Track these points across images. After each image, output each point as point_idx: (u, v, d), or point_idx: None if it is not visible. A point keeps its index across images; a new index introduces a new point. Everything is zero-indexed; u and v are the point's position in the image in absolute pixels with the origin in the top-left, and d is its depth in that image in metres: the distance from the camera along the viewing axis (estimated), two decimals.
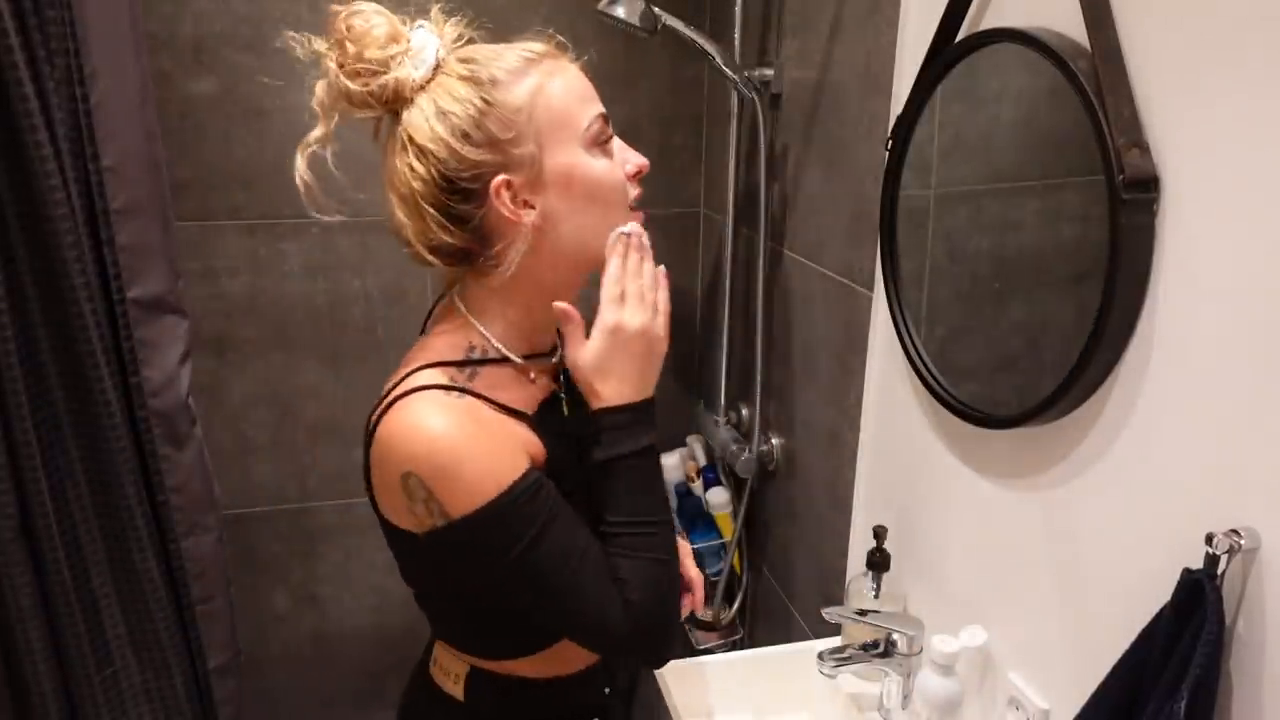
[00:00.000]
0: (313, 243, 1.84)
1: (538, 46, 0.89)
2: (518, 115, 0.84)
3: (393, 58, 0.85)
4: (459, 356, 0.89)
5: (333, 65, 0.86)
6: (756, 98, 1.59)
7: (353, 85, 0.85)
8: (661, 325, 0.90)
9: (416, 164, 0.84)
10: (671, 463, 2.01)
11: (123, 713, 1.54)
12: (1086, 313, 0.87)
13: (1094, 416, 0.92)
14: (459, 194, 0.85)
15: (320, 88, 0.88)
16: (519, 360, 0.92)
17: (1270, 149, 0.72)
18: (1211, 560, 0.75)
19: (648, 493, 0.89)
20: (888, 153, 1.17)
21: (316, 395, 1.94)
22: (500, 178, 0.85)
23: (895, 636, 1.14)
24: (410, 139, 0.85)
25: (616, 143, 0.92)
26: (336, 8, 0.87)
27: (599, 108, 0.90)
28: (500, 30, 0.91)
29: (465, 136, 0.83)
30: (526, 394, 0.92)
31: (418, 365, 0.88)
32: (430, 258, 0.88)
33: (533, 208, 0.86)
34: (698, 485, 1.95)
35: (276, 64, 1.72)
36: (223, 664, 1.63)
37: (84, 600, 1.47)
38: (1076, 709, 0.86)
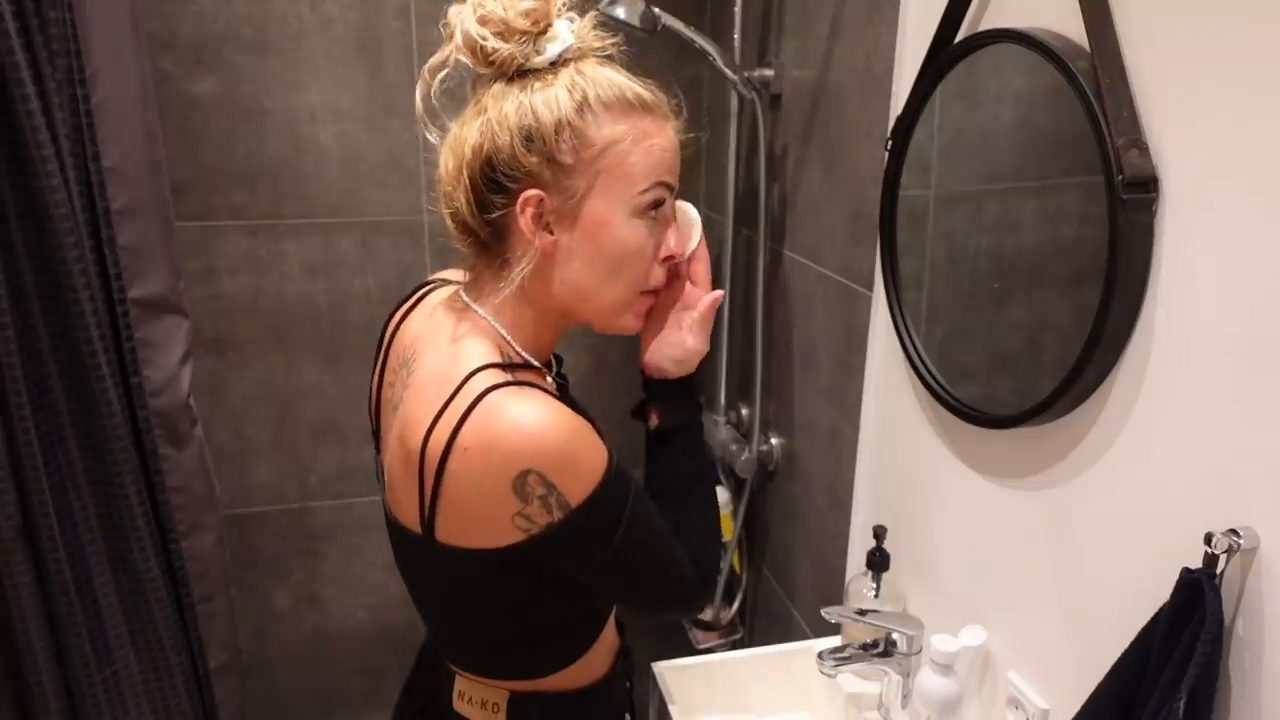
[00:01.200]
0: (313, 243, 1.84)
1: (649, 98, 0.88)
2: (588, 150, 0.84)
3: (525, 33, 0.84)
4: (498, 360, 0.86)
5: (494, 6, 0.84)
6: (756, 98, 1.59)
7: (477, 30, 0.84)
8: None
9: (477, 134, 0.84)
10: None
11: (123, 712, 1.55)
12: (1086, 313, 0.87)
13: (1093, 416, 0.92)
14: (493, 183, 0.85)
15: (453, 12, 0.86)
16: (539, 365, 0.92)
17: (1270, 149, 0.72)
18: (1210, 560, 0.75)
19: (700, 458, 1.00)
20: (887, 153, 1.17)
21: (316, 395, 1.95)
22: (533, 192, 0.83)
23: (895, 636, 1.14)
24: (486, 108, 0.85)
25: (666, 223, 0.92)
26: None
27: (669, 180, 0.88)
28: None
29: (528, 139, 0.83)
30: (553, 391, 0.92)
31: (470, 370, 0.83)
32: (449, 223, 0.89)
33: (551, 234, 0.85)
34: None
35: (277, 64, 1.73)
36: (223, 664, 1.64)
37: (84, 600, 1.47)
38: (1076, 709, 0.86)
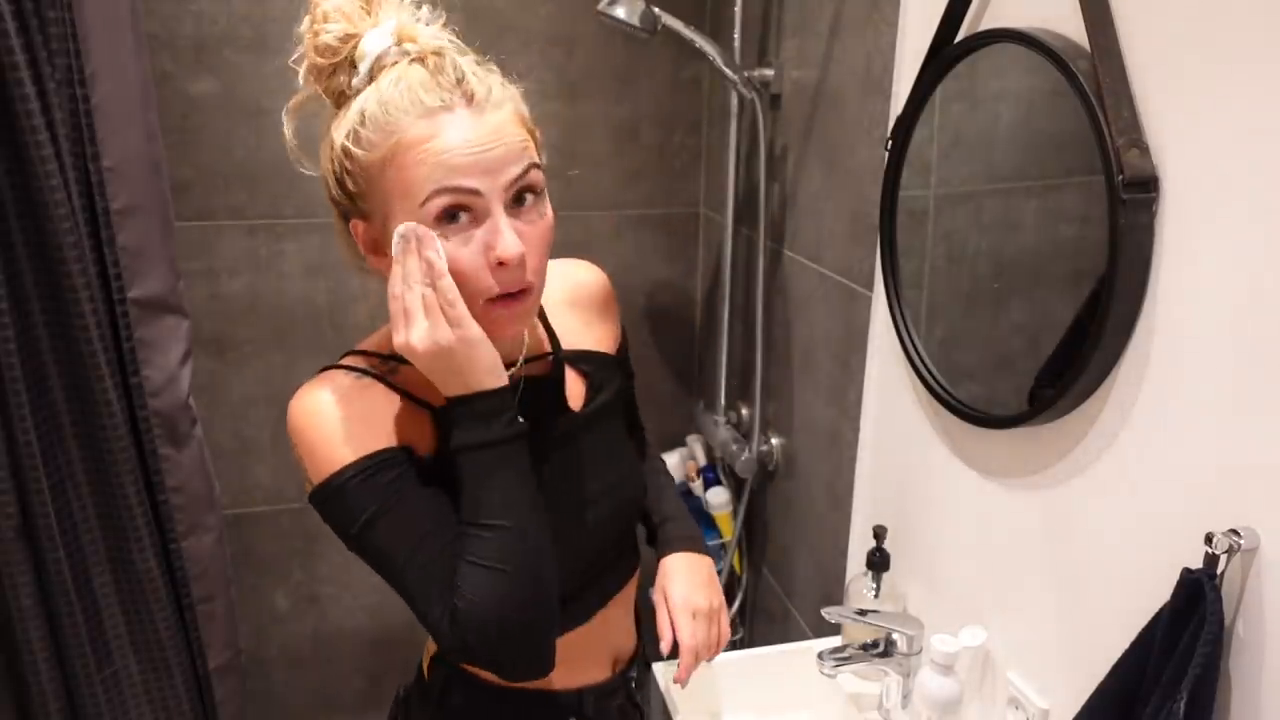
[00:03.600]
0: (313, 243, 1.84)
1: (433, 100, 0.79)
2: (366, 174, 0.81)
3: (341, 58, 0.83)
4: (387, 351, 0.89)
5: (308, 36, 0.85)
6: (756, 98, 1.59)
7: (312, 59, 0.84)
8: (447, 321, 0.79)
9: (323, 157, 0.86)
10: (672, 462, 2.01)
11: (123, 712, 1.55)
12: (1086, 313, 0.87)
13: (1093, 416, 0.92)
14: (340, 213, 0.87)
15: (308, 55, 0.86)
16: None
17: (1269, 149, 0.72)
18: (1211, 560, 0.75)
19: (496, 489, 0.82)
20: (887, 153, 1.17)
21: None
22: (354, 220, 0.85)
23: (895, 636, 1.14)
24: (326, 134, 0.86)
25: (491, 224, 0.80)
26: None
27: (452, 184, 0.78)
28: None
29: (332, 170, 0.84)
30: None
31: (347, 351, 0.92)
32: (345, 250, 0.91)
33: (386, 256, 0.82)
34: (698, 485, 1.96)
35: (277, 64, 1.73)
36: (223, 664, 1.64)
37: (84, 600, 1.47)
38: (1076, 709, 0.86)
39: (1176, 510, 0.83)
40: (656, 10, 1.53)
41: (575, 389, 0.99)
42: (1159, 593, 0.79)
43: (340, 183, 0.84)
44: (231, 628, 1.65)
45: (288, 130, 0.88)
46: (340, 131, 0.82)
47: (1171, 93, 0.81)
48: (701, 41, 1.56)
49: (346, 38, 0.82)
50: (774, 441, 1.75)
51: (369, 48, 0.82)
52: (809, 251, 1.56)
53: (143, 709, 1.57)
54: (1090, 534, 0.94)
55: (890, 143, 1.16)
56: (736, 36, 1.65)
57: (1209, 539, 0.75)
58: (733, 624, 1.95)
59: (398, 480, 0.85)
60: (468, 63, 0.83)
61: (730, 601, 1.94)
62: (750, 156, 1.73)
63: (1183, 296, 0.81)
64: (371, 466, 0.84)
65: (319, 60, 0.83)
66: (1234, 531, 0.75)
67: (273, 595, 2.05)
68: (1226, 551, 0.74)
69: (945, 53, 1.06)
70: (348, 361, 0.90)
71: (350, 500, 0.84)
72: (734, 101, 1.70)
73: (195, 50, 1.71)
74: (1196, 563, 0.76)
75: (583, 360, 1.00)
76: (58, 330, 1.37)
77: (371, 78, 0.82)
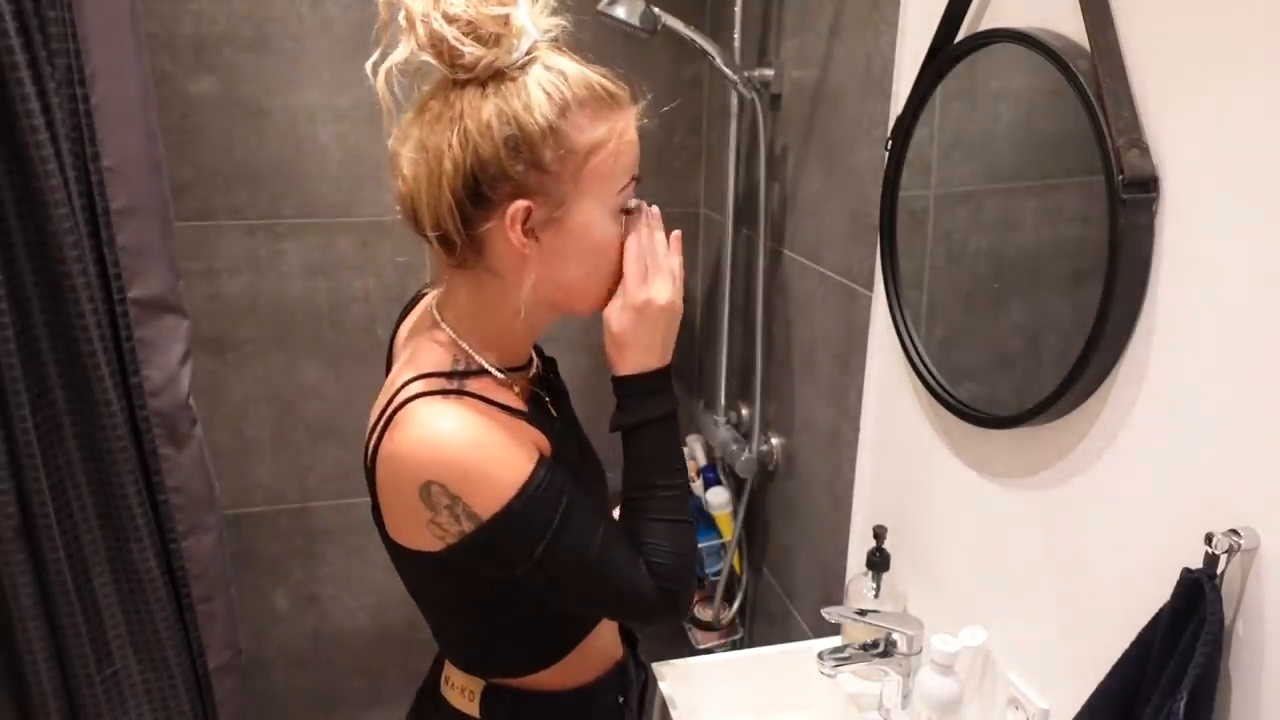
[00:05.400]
0: (313, 243, 1.84)
1: (616, 90, 0.85)
2: (573, 154, 0.82)
3: (495, 34, 0.79)
4: (445, 369, 0.87)
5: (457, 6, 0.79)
6: (756, 98, 1.59)
7: (448, 31, 0.78)
8: (680, 294, 0.92)
9: (456, 146, 0.80)
10: None
11: (123, 712, 1.55)
12: (1086, 313, 0.87)
13: (1094, 416, 0.92)
14: (478, 197, 0.81)
15: (415, 7, 0.80)
16: (500, 374, 0.89)
17: (1269, 149, 0.72)
18: (1211, 560, 0.75)
19: (672, 457, 0.93)
20: (887, 153, 1.17)
21: (316, 395, 1.95)
22: (521, 203, 0.81)
23: (895, 636, 1.14)
24: (463, 119, 0.80)
25: (644, 211, 0.92)
26: None
27: (638, 173, 0.88)
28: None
29: (515, 149, 0.80)
30: (513, 400, 0.91)
31: (406, 378, 0.85)
32: (425, 232, 0.85)
33: (538, 240, 0.84)
34: (698, 485, 1.95)
35: (277, 64, 1.73)
36: (223, 664, 1.64)
37: (84, 600, 1.47)
38: (1076, 709, 0.86)
39: (1176, 510, 0.83)
40: (656, 10, 1.53)
41: (556, 384, 1.04)
42: (1159, 593, 0.79)
43: (529, 157, 0.80)
44: (231, 628, 1.65)
45: (384, 90, 0.82)
46: (539, 108, 0.80)
47: (1171, 93, 0.81)
48: (701, 41, 1.56)
49: (507, 17, 0.80)
50: (774, 441, 1.75)
51: (527, 26, 0.81)
52: (809, 251, 1.56)
53: (143, 709, 1.57)
54: (1090, 534, 0.94)
55: (890, 143, 1.16)
56: (736, 36, 1.65)
57: (1209, 539, 0.75)
58: (732, 624, 1.95)
59: (558, 476, 0.85)
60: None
61: (730, 602, 1.94)
62: (750, 156, 1.73)
63: (1183, 296, 0.81)
64: (549, 470, 0.84)
65: (468, 30, 0.79)
66: (1234, 531, 0.75)
67: (273, 595, 2.05)
68: (1226, 551, 0.74)
69: (945, 53, 1.06)
70: (421, 387, 0.84)
71: (541, 508, 0.82)
72: (734, 101, 1.70)
73: (195, 50, 1.71)
74: (1196, 563, 0.76)
75: (552, 363, 1.05)
76: (58, 330, 1.37)
77: (530, 57, 0.81)
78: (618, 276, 0.90)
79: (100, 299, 1.39)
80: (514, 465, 0.82)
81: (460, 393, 0.84)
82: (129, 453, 1.44)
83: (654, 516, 0.91)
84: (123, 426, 1.42)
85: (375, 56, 0.82)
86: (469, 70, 0.80)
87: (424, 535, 0.83)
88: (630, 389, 0.91)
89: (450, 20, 0.78)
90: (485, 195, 0.81)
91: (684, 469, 0.94)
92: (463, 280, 0.89)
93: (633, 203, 0.90)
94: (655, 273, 0.90)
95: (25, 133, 1.26)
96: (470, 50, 0.79)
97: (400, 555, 0.90)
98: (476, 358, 0.89)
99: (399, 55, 0.81)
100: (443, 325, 0.90)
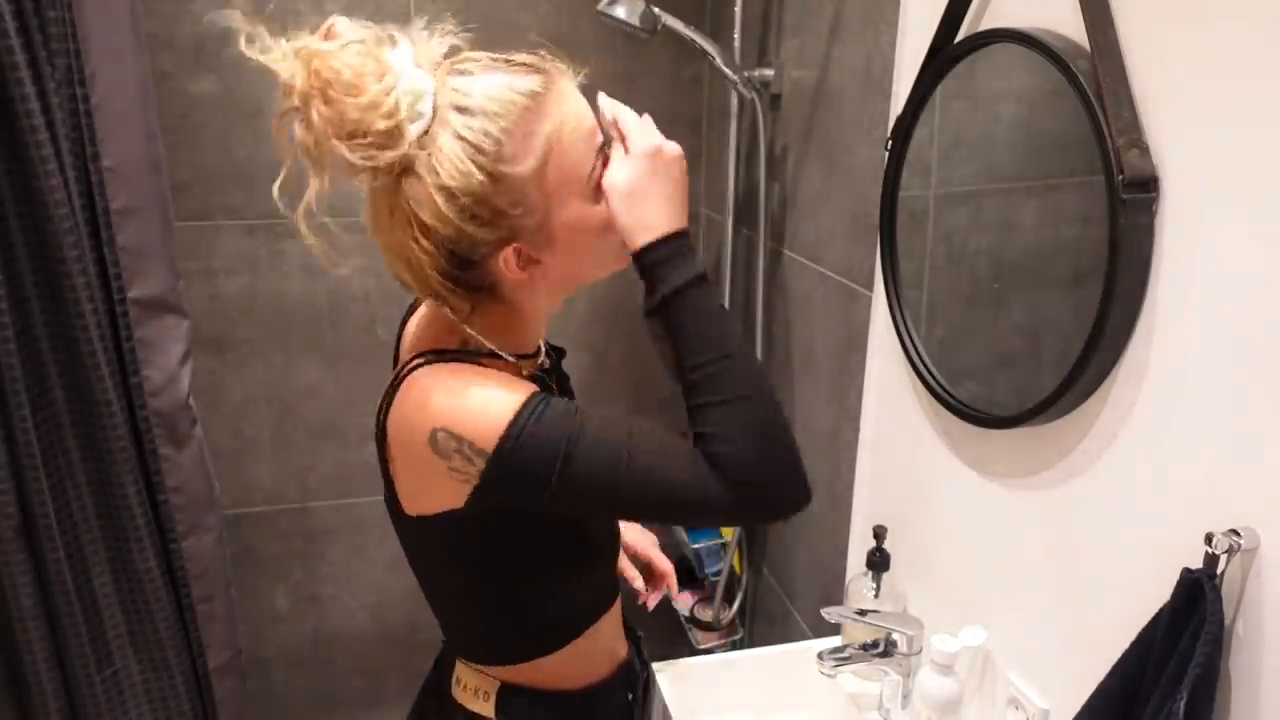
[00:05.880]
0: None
1: (535, 84, 0.80)
2: (526, 187, 0.80)
3: (395, 127, 0.76)
4: (453, 348, 0.88)
5: (318, 118, 0.76)
6: (756, 98, 1.59)
7: (352, 156, 0.76)
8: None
9: (422, 239, 0.80)
10: None
11: (123, 712, 1.55)
12: (1086, 313, 0.87)
13: (1094, 416, 0.92)
14: (464, 264, 0.82)
15: (303, 134, 0.78)
16: (510, 358, 0.90)
17: (1269, 149, 0.72)
18: (1211, 560, 0.75)
19: (714, 323, 0.81)
20: (887, 153, 1.17)
21: (316, 395, 1.94)
22: (508, 249, 0.81)
23: (895, 636, 1.14)
24: (413, 213, 0.79)
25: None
26: (300, 47, 0.77)
27: (597, 138, 0.84)
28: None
29: (473, 217, 0.78)
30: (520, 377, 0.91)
31: (412, 357, 0.88)
32: (430, 297, 0.87)
33: (539, 262, 0.84)
34: None
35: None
36: (223, 664, 1.64)
37: (84, 600, 1.47)
38: (1076, 709, 0.86)
39: (1176, 510, 0.83)
40: (656, 10, 1.53)
41: (561, 372, 1.04)
42: (1159, 593, 0.79)
43: (489, 215, 0.79)
44: (231, 628, 1.65)
45: (305, 230, 0.80)
46: (473, 165, 0.77)
47: (1171, 93, 0.81)
48: (701, 41, 1.56)
49: (390, 109, 0.76)
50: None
51: (420, 86, 0.78)
52: (809, 251, 1.56)
53: (143, 709, 1.57)
54: (1090, 534, 0.94)
55: (890, 143, 1.16)
56: (736, 36, 1.65)
57: (1209, 539, 0.75)
58: (732, 624, 1.95)
59: (560, 401, 0.81)
60: (482, 54, 0.83)
61: (730, 602, 1.94)
62: (750, 156, 1.73)
63: (1183, 296, 0.81)
64: (540, 398, 0.80)
65: (358, 148, 0.76)
66: (1234, 531, 0.75)
67: (273, 595, 2.05)
68: (1226, 551, 0.74)
69: (945, 53, 1.06)
70: (431, 358, 0.86)
71: (541, 432, 0.78)
72: (734, 101, 1.70)
73: (195, 50, 1.71)
74: (1196, 563, 0.76)
75: (559, 352, 1.05)
76: (58, 330, 1.37)
77: (435, 112, 0.78)
78: (616, 235, 0.85)
79: (100, 299, 1.39)
80: (508, 396, 0.79)
81: (463, 359, 0.86)
82: (129, 453, 1.44)
83: (708, 399, 0.79)
84: (123, 426, 1.42)
85: (278, 186, 0.81)
86: (390, 172, 0.79)
87: (447, 490, 0.82)
88: (657, 256, 0.81)
89: (349, 137, 0.76)
90: (470, 260, 0.82)
91: (735, 337, 0.82)
92: (477, 300, 0.89)
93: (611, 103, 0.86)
94: (653, 128, 0.83)
95: (25, 133, 1.26)
96: (382, 156, 0.77)
97: (418, 532, 0.89)
98: (486, 343, 0.89)
99: (311, 192, 0.80)
100: (450, 317, 0.89)
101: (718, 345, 0.80)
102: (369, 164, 0.77)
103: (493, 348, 0.89)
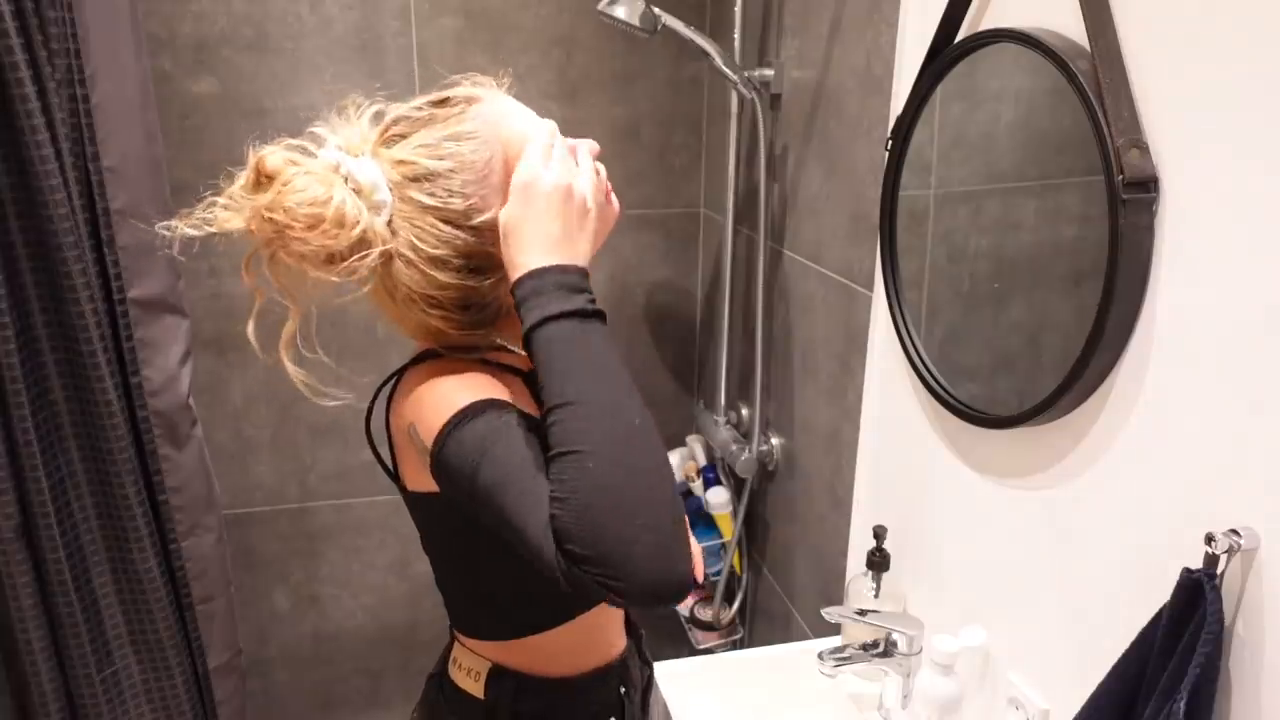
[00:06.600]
0: None
1: (468, 123, 0.81)
2: (493, 208, 0.82)
3: (364, 233, 0.77)
4: (456, 342, 0.90)
5: (288, 259, 0.78)
6: (756, 98, 1.59)
7: (338, 278, 0.78)
8: (592, 187, 0.80)
9: (432, 311, 0.83)
10: (673, 462, 2.01)
11: (123, 712, 1.55)
12: (1086, 313, 0.87)
13: (1094, 416, 0.92)
14: (480, 308, 0.85)
15: (277, 279, 0.80)
16: (518, 350, 0.90)
17: (1269, 149, 0.72)
18: (1211, 560, 0.75)
19: (568, 362, 0.72)
20: (887, 153, 1.17)
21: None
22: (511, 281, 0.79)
23: (895, 636, 1.14)
24: (413, 292, 0.82)
25: (569, 145, 0.85)
26: (240, 193, 0.78)
27: (548, 132, 0.84)
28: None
29: (471, 270, 0.81)
30: (520, 363, 0.92)
31: (423, 352, 0.90)
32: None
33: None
34: (698, 485, 1.95)
35: (277, 64, 1.73)
36: (223, 664, 1.64)
37: (84, 600, 1.47)
38: (1076, 709, 0.86)
39: (1176, 510, 0.83)
40: (656, 10, 1.53)
41: None
42: (1159, 593, 0.79)
43: (486, 261, 0.81)
44: (231, 628, 1.65)
45: (293, 369, 0.84)
46: (450, 227, 0.80)
47: (1171, 93, 0.81)
48: (701, 41, 1.56)
49: (353, 222, 0.77)
50: (774, 441, 1.75)
51: (366, 178, 0.79)
52: (809, 251, 1.56)
53: (143, 709, 1.57)
54: (1090, 534, 0.94)
55: (890, 143, 1.16)
56: (736, 36, 1.65)
57: (1209, 539, 0.75)
58: (732, 624, 1.95)
59: (509, 414, 0.78)
60: (407, 108, 0.85)
61: (730, 602, 1.94)
62: (750, 156, 1.73)
63: (1183, 296, 0.81)
64: (484, 405, 0.79)
65: (349, 244, 0.77)
66: (1234, 531, 0.75)
67: (273, 595, 2.05)
68: (1226, 551, 0.74)
69: (945, 53, 1.06)
70: (439, 353, 0.89)
71: (468, 433, 0.77)
72: (734, 101, 1.70)
73: (195, 50, 1.71)
74: (1196, 563, 0.76)
75: None
76: (58, 330, 1.37)
77: (393, 191, 0.80)
78: (602, 206, 0.85)
79: (100, 299, 1.39)
80: (451, 401, 0.80)
81: (468, 359, 0.87)
82: (129, 453, 1.44)
83: (557, 448, 0.70)
84: (123, 426, 1.42)
85: (253, 324, 0.82)
86: (377, 271, 0.81)
87: (425, 475, 0.85)
88: (520, 292, 0.75)
89: (329, 261, 0.78)
90: (484, 303, 0.85)
91: (596, 383, 0.72)
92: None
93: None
94: (556, 158, 0.79)
95: (25, 133, 1.26)
96: (364, 264, 0.78)
97: (414, 505, 0.94)
98: (489, 335, 0.91)
99: (291, 325, 0.83)
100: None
101: (571, 393, 0.71)
102: (356, 278, 0.79)
103: (503, 343, 0.91)
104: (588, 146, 0.86)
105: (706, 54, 1.57)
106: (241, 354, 1.89)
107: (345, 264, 0.78)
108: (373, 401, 0.96)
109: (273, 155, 0.79)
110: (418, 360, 0.90)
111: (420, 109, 0.84)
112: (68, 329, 1.36)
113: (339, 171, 0.79)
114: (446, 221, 0.80)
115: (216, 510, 1.59)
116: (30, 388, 1.35)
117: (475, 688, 0.99)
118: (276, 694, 2.11)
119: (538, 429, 0.77)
